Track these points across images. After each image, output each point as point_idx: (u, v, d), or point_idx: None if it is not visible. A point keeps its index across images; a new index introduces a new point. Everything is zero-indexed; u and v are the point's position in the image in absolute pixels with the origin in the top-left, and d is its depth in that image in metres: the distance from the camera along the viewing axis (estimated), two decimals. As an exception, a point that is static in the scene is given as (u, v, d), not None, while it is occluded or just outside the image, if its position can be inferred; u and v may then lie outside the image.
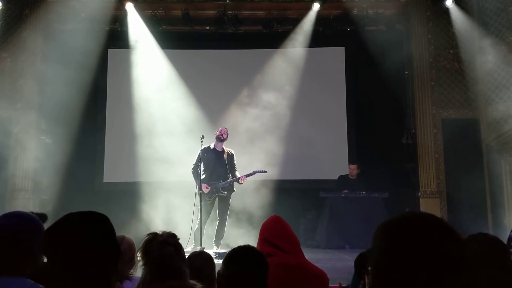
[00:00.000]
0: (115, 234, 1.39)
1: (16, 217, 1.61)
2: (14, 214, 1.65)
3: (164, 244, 1.95)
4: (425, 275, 0.95)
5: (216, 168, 6.65)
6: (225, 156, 6.73)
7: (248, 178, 6.82)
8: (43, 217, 1.72)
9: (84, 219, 1.35)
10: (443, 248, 0.97)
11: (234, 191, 6.83)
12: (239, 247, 1.94)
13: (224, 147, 6.83)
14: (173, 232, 2.10)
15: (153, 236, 1.99)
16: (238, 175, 6.72)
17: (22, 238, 1.54)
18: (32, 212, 1.75)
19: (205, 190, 6.54)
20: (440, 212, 7.60)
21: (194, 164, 6.73)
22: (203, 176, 6.61)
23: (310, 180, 8.63)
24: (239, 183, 6.68)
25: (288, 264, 2.32)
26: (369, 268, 1.05)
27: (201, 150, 6.72)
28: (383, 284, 1.00)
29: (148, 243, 1.98)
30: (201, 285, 2.00)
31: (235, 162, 6.81)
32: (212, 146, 6.76)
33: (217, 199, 6.72)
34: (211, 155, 6.70)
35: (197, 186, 6.52)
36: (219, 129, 6.89)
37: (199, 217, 6.47)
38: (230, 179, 6.65)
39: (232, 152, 6.89)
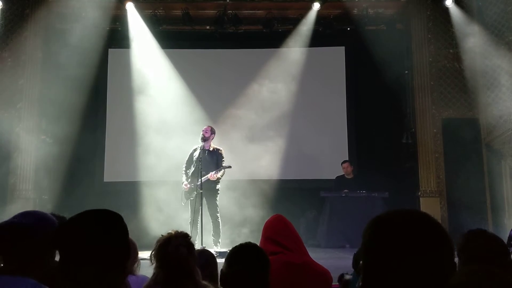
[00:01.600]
0: (128, 233, 1.40)
1: (32, 216, 1.60)
2: (31, 213, 1.64)
3: (178, 246, 1.98)
4: (410, 269, 0.98)
5: (197, 167, 6.64)
6: (209, 154, 6.68)
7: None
8: (62, 220, 1.70)
9: (100, 217, 1.36)
10: (429, 243, 1.00)
11: (216, 189, 6.70)
12: (242, 245, 1.96)
13: (212, 145, 6.79)
14: (179, 230, 2.12)
15: (168, 239, 2.01)
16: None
17: (34, 237, 1.53)
18: (53, 214, 1.75)
19: (185, 188, 6.66)
20: (440, 211, 7.61)
21: (185, 164, 6.85)
22: (188, 175, 6.74)
23: (311, 179, 8.64)
24: (211, 180, 6.57)
25: (294, 262, 2.32)
26: (360, 262, 1.08)
27: (192, 149, 6.85)
28: (372, 279, 1.03)
29: (163, 246, 2.00)
30: (212, 286, 2.04)
31: (223, 160, 6.75)
32: (201, 146, 6.78)
33: (204, 199, 6.68)
34: (197, 154, 6.74)
35: (192, 185, 6.63)
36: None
37: (190, 216, 6.56)
38: (205, 177, 6.58)
39: (220, 150, 6.83)
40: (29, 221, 1.57)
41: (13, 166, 7.63)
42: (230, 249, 1.98)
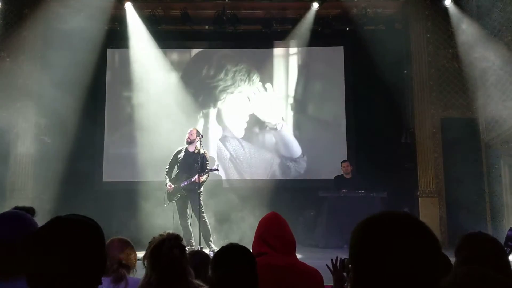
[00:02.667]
0: (104, 243, 1.33)
1: (6, 221, 1.55)
2: (6, 216, 1.58)
3: (171, 248, 1.98)
4: (399, 271, 1.00)
5: (182, 168, 6.68)
6: (193, 156, 6.68)
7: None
8: (30, 211, 1.65)
9: (75, 224, 1.28)
10: (416, 245, 1.01)
11: (199, 190, 6.63)
12: (225, 248, 1.94)
13: (197, 148, 6.75)
14: (171, 231, 2.12)
15: (161, 241, 2.01)
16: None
17: (15, 241, 1.46)
18: (17, 207, 1.69)
19: (168, 189, 6.67)
20: (438, 211, 7.62)
21: (168, 164, 6.86)
22: (172, 176, 6.77)
23: (309, 179, 8.64)
24: (197, 182, 6.53)
25: (277, 265, 2.26)
26: (349, 265, 1.10)
27: (176, 151, 6.85)
28: (362, 281, 1.05)
29: (156, 248, 2.00)
30: (206, 286, 2.03)
31: (207, 162, 6.76)
32: (185, 148, 6.80)
33: (188, 200, 6.69)
34: (181, 156, 6.76)
35: (176, 186, 6.67)
36: (188, 131, 6.85)
37: (180, 219, 6.60)
38: (190, 179, 6.59)
39: (204, 152, 6.81)
40: (4, 229, 1.51)
41: (12, 166, 7.62)
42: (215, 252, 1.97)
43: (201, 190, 6.66)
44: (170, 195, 6.71)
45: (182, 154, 6.78)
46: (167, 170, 6.86)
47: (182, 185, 6.62)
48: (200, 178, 6.49)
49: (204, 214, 6.69)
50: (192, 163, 6.62)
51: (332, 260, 2.47)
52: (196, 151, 6.68)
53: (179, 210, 6.70)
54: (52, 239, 1.24)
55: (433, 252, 1.03)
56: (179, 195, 6.67)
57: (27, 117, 7.73)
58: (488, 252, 1.97)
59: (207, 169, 6.64)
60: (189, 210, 6.74)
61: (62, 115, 8.01)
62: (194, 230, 6.59)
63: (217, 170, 6.64)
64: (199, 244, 6.24)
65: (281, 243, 2.35)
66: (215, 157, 8.52)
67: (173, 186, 6.69)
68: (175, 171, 6.83)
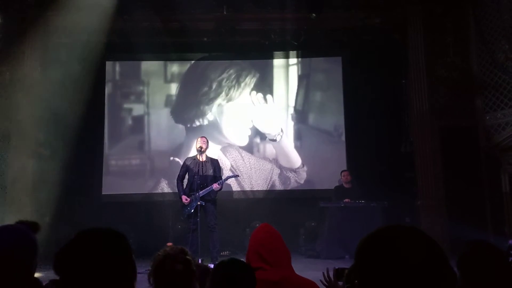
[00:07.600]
0: (132, 252, 1.34)
1: (7, 237, 1.51)
2: (5, 231, 1.54)
3: (173, 263, 1.95)
4: (406, 284, 0.98)
5: (196, 179, 6.46)
6: (207, 165, 6.61)
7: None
8: (34, 226, 1.61)
9: (102, 237, 1.30)
10: (424, 259, 1.01)
11: (215, 199, 6.63)
12: (225, 262, 1.90)
13: (207, 156, 6.74)
14: (171, 244, 2.10)
15: (164, 257, 1.99)
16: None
17: (13, 257, 1.44)
18: (22, 221, 1.68)
19: (185, 202, 6.53)
20: (439, 220, 7.58)
21: (178, 176, 6.75)
22: (185, 187, 6.65)
23: (309, 189, 8.64)
24: (215, 190, 6.52)
25: (270, 280, 2.18)
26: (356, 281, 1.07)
27: (184, 161, 6.80)
28: None
29: (159, 265, 1.97)
30: None
31: (220, 170, 6.74)
32: (195, 157, 6.70)
33: (202, 209, 6.49)
34: (193, 166, 6.62)
35: (192, 197, 6.52)
36: (197, 139, 6.76)
37: (190, 230, 6.40)
38: (207, 188, 6.50)
39: (217, 160, 6.80)
40: (7, 245, 1.48)
41: (11, 180, 7.60)
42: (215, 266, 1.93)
43: (216, 198, 6.61)
44: (186, 207, 6.54)
45: (193, 164, 6.63)
46: (177, 183, 6.70)
47: (200, 194, 6.43)
48: (220, 185, 6.45)
49: (216, 226, 6.55)
50: (207, 172, 6.55)
51: (323, 273, 2.39)
52: (207, 159, 6.65)
53: (194, 222, 6.40)
54: (87, 251, 1.25)
55: (441, 266, 1.02)
56: (198, 204, 6.43)
57: (26, 131, 7.72)
58: (492, 264, 1.95)
59: (227, 176, 6.62)
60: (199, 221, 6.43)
61: (61, 128, 8.00)
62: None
63: (237, 176, 6.60)
64: (198, 256, 6.17)
65: (274, 256, 2.28)
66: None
67: (189, 199, 6.52)
68: (187, 182, 6.68)
